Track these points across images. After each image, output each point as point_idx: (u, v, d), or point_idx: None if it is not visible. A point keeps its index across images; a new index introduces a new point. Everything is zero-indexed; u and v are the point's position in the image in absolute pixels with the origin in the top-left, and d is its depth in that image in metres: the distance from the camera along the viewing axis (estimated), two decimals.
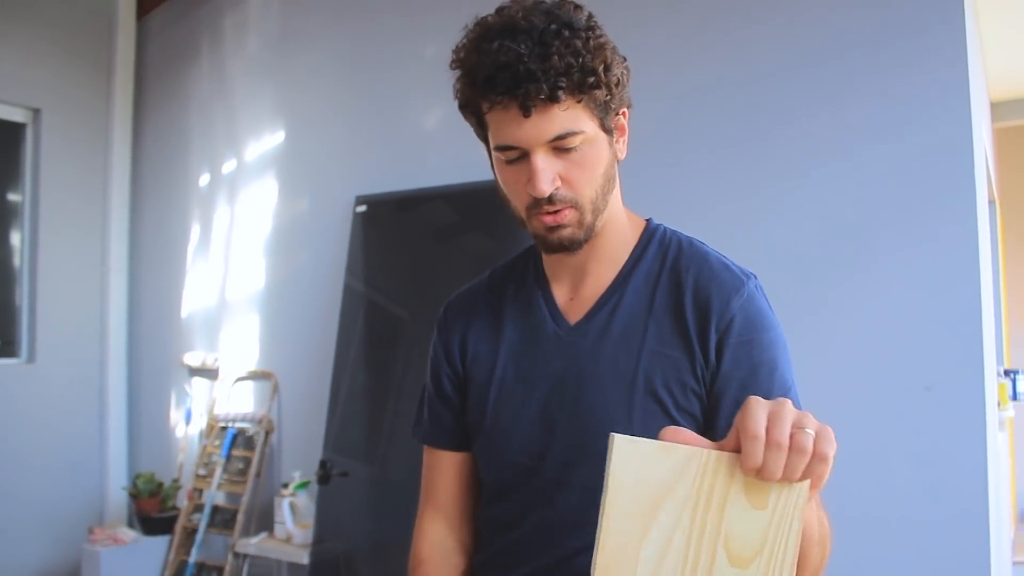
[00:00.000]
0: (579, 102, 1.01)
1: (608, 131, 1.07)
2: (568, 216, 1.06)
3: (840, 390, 2.38)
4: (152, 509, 4.12)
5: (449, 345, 1.27)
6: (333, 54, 3.93)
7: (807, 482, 0.75)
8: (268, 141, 4.14)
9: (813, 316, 2.43)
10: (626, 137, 1.13)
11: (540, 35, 0.98)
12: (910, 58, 2.37)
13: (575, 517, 1.09)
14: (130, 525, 4.34)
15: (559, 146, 1.02)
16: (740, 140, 2.65)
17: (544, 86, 0.97)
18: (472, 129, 1.13)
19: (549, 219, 1.06)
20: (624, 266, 1.16)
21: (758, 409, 0.75)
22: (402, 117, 3.59)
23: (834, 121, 2.48)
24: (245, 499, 3.80)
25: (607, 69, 1.02)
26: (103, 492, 4.59)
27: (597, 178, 1.07)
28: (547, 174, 1.03)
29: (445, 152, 3.37)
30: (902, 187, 2.37)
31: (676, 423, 1.06)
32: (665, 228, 1.20)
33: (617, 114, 1.09)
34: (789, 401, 0.75)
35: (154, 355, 4.65)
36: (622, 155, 1.13)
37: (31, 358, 4.46)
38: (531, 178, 1.03)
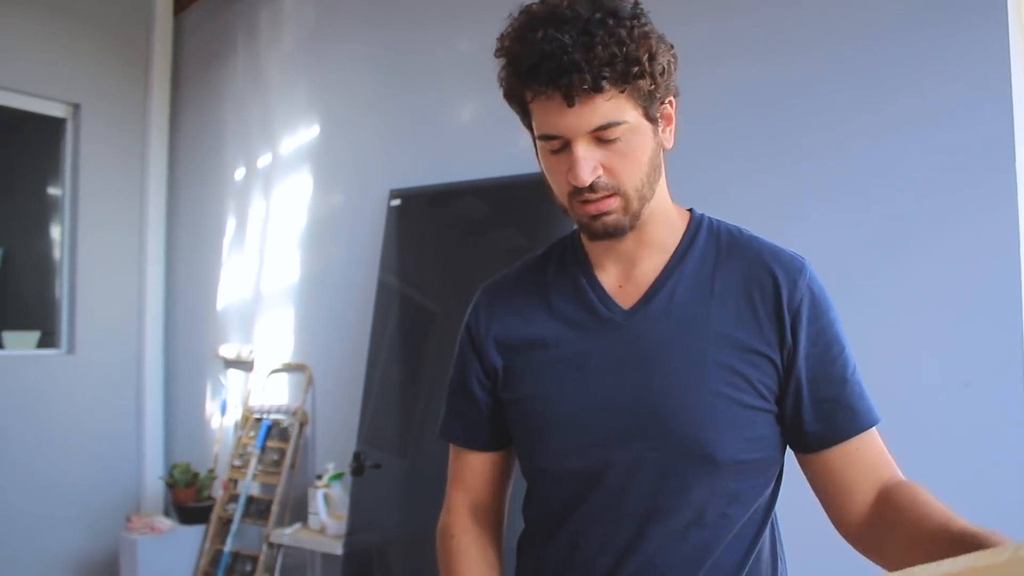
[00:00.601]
0: (622, 92, 1.01)
1: (653, 120, 1.06)
2: (613, 203, 1.06)
3: (872, 386, 2.35)
4: (188, 499, 4.17)
5: (483, 339, 1.23)
6: (367, 48, 3.94)
7: None
8: (303, 135, 4.17)
9: (846, 309, 2.38)
10: (673, 126, 1.12)
11: (584, 24, 0.98)
12: (950, 42, 2.32)
13: (647, 503, 1.09)
14: (166, 514, 4.40)
15: (601, 136, 1.02)
16: (772, 129, 2.62)
17: (588, 76, 0.97)
18: (517, 119, 1.13)
19: (592, 207, 1.06)
20: (676, 252, 1.15)
21: None
22: (436, 111, 3.60)
23: (870, 108, 2.44)
24: (279, 490, 3.84)
25: (652, 58, 1.01)
26: (140, 481, 4.66)
27: (641, 167, 1.06)
28: (588, 164, 1.02)
29: (479, 146, 3.37)
30: (940, 176, 2.33)
31: (749, 405, 1.07)
32: (710, 217, 1.20)
33: (663, 103, 1.08)
34: None
35: (190, 347, 4.70)
36: (669, 144, 1.12)
37: (71, 349, 4.53)
38: (572, 167, 1.03)
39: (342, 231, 3.94)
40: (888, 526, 1.02)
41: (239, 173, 4.52)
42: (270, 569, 3.80)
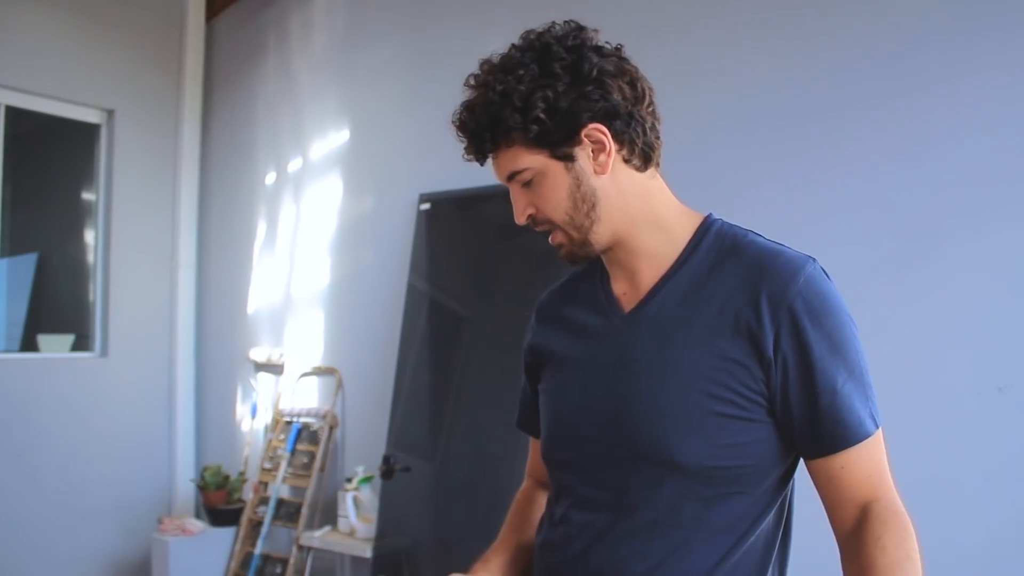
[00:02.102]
0: (510, 147, 1.14)
1: (563, 157, 1.12)
2: (557, 237, 1.19)
3: (907, 390, 2.32)
4: (219, 501, 4.20)
5: (531, 341, 1.34)
6: (397, 52, 3.96)
7: None
8: (333, 140, 4.19)
9: (879, 310, 2.36)
10: (608, 149, 1.12)
11: (470, 102, 1.16)
12: (988, 43, 2.30)
13: (616, 498, 1.13)
14: (198, 516, 4.43)
15: (518, 181, 1.16)
16: (805, 127, 2.60)
17: (472, 145, 1.17)
18: None
19: (549, 239, 1.21)
20: (677, 259, 1.17)
21: None
22: None
23: (904, 108, 2.42)
24: (309, 493, 3.86)
25: (522, 110, 1.10)
26: (172, 483, 4.70)
27: (560, 203, 1.14)
28: (518, 206, 1.18)
29: None
30: (975, 176, 2.30)
31: (720, 413, 1.07)
32: (723, 222, 1.19)
33: (572, 138, 1.11)
34: None
35: (221, 350, 4.74)
36: (604, 169, 1.13)
37: (104, 352, 4.58)
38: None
39: (372, 235, 3.96)
40: (849, 555, 1.05)
41: (270, 178, 4.55)
42: (300, 571, 3.82)
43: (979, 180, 2.30)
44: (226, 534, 4.14)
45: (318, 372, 4.14)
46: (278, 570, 3.87)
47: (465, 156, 1.21)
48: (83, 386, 4.46)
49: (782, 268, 1.08)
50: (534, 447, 1.41)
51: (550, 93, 1.09)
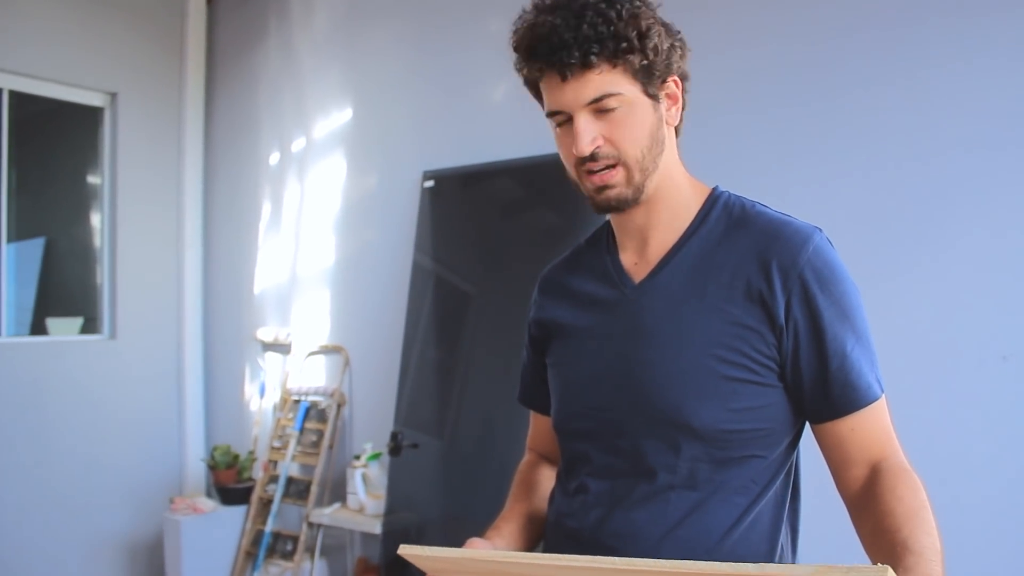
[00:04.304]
0: (615, 67, 1.08)
1: (652, 96, 1.13)
2: (615, 176, 1.13)
3: (911, 360, 2.33)
4: (229, 480, 4.23)
5: (537, 315, 1.34)
6: (399, 30, 3.95)
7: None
8: (336, 118, 4.19)
9: (884, 282, 2.37)
10: (679, 106, 1.18)
11: (577, 8, 1.07)
12: (993, 21, 2.29)
13: (633, 464, 1.15)
14: (208, 495, 4.46)
15: (599, 108, 1.10)
16: (813, 101, 2.59)
17: (576, 52, 1.06)
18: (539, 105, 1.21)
19: (596, 179, 1.13)
20: (687, 229, 1.19)
21: None
22: (468, 92, 3.60)
23: (912, 83, 2.41)
24: (318, 470, 3.88)
25: (641, 36, 1.08)
26: (182, 463, 4.73)
27: (641, 139, 1.12)
28: (587, 134, 1.10)
29: (511, 127, 3.37)
30: (981, 151, 2.30)
31: (734, 378, 1.10)
32: (730, 193, 1.22)
33: (663, 81, 1.14)
34: None
35: (228, 330, 4.76)
36: (673, 122, 1.18)
37: (112, 334, 4.61)
38: (574, 138, 1.11)
39: (376, 213, 3.96)
40: (863, 510, 1.05)
41: (274, 158, 4.55)
42: (310, 548, 3.85)
43: (981, 150, 2.30)
44: (237, 512, 4.17)
45: (325, 351, 4.16)
46: (289, 547, 3.91)
47: (528, 71, 1.14)
48: (92, 368, 4.48)
49: (791, 237, 1.11)
50: (536, 421, 1.43)
51: (662, 30, 1.12)
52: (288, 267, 4.41)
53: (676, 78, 1.16)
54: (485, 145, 3.45)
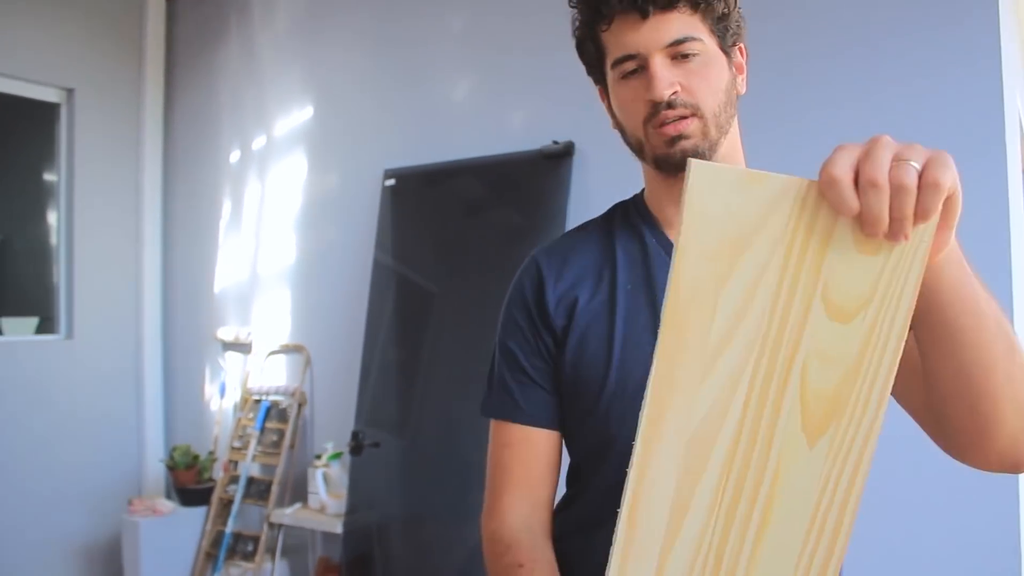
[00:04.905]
0: (695, 11, 1.03)
1: (726, 52, 1.08)
2: (691, 126, 1.04)
3: None
4: (189, 481, 4.19)
5: (542, 302, 1.14)
6: (361, 29, 3.94)
7: (931, 223, 0.66)
8: (297, 117, 4.17)
9: None
10: (745, 75, 1.13)
11: None
12: (941, 14, 2.33)
13: None
14: (168, 496, 4.42)
15: (677, 52, 1.03)
16: (763, 96, 2.62)
17: None
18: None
19: (670, 128, 1.04)
20: None
21: (842, 152, 0.66)
22: (430, 91, 3.60)
23: (860, 74, 2.45)
24: (279, 470, 3.86)
25: None
26: (141, 464, 4.68)
27: (718, 91, 1.05)
28: (665, 78, 1.02)
29: (474, 125, 3.37)
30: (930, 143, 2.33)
31: None
32: None
33: (734, 44, 1.09)
34: (886, 136, 0.68)
35: (188, 330, 4.72)
36: (742, 89, 1.12)
37: (69, 334, 4.54)
38: (649, 84, 1.03)
39: (338, 212, 3.95)
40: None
41: (234, 156, 4.52)
42: (271, 549, 3.83)
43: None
44: (197, 513, 4.14)
45: (286, 350, 4.13)
46: (249, 548, 3.88)
47: (599, 13, 1.05)
48: (49, 369, 4.42)
49: None
50: (536, 444, 1.15)
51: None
52: (248, 266, 4.37)
53: (742, 46, 1.11)
54: (447, 143, 3.45)
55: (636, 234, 1.16)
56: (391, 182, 3.60)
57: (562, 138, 3.01)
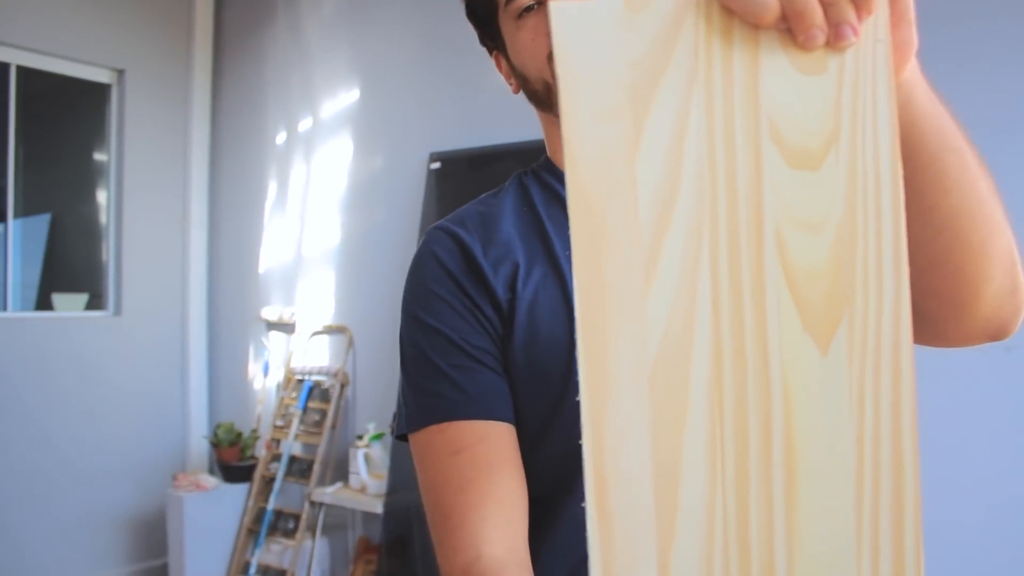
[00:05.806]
0: None
1: None
2: None
3: (915, 349, 2.32)
4: (232, 458, 4.25)
5: (476, 269, 0.94)
6: (408, 11, 3.93)
7: (881, 16, 0.49)
8: (343, 99, 4.18)
9: None
10: None
11: None
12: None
13: None
14: (211, 472, 4.48)
15: None
16: None
17: None
18: (478, 38, 1.10)
19: None
20: None
21: None
22: (476, 73, 3.59)
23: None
24: (321, 450, 3.90)
25: None
26: (185, 440, 4.75)
27: None
28: None
29: (519, 109, 3.33)
30: (989, 130, 2.29)
31: None
32: None
33: None
34: None
35: (233, 309, 4.77)
36: None
37: (117, 311, 4.62)
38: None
39: (382, 194, 3.96)
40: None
41: (280, 137, 4.55)
42: (312, 527, 3.87)
43: (990, 132, 2.29)
44: (239, 490, 4.19)
45: (329, 331, 4.16)
46: (291, 525, 3.93)
47: None
48: (97, 345, 4.50)
49: None
50: (499, 438, 0.89)
51: None
52: (293, 247, 4.41)
53: None
54: (492, 127, 3.44)
55: (554, 195, 1.00)
56: (436, 165, 3.60)
57: None
